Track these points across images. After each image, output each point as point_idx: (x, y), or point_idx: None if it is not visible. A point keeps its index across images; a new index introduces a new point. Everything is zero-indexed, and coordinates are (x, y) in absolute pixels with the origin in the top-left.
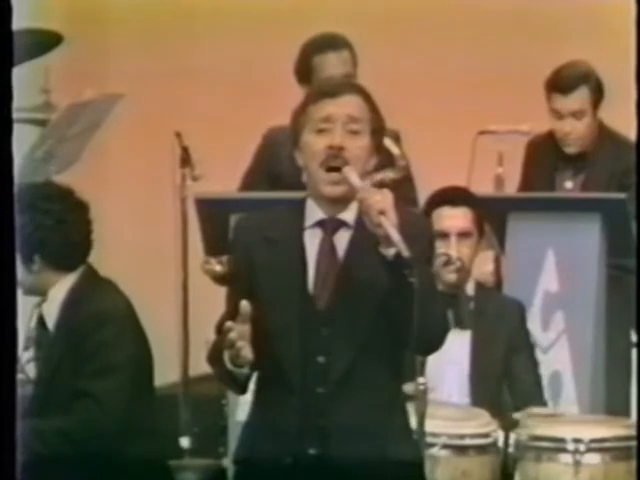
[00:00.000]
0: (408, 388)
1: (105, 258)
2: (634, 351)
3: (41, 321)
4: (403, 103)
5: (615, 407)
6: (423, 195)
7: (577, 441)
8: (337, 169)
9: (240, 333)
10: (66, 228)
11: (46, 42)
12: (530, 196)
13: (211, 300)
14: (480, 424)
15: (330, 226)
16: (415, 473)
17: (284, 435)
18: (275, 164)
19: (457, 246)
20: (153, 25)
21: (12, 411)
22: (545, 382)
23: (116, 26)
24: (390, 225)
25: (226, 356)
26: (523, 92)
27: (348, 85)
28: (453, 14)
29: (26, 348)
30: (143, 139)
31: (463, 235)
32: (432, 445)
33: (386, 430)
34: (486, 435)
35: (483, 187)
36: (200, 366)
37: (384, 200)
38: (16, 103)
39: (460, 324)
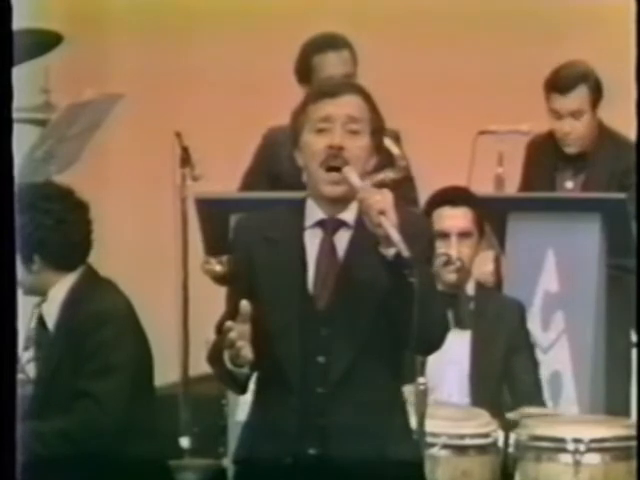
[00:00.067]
0: (408, 391)
1: (105, 258)
2: (634, 351)
3: (41, 321)
4: (403, 103)
5: (615, 407)
6: (423, 195)
7: (577, 441)
8: (337, 169)
9: (240, 333)
10: (66, 228)
11: (46, 42)
12: (530, 196)
13: (211, 300)
14: (480, 424)
15: (330, 226)
16: (415, 473)
17: (284, 435)
18: (275, 164)
19: (457, 246)
20: (153, 25)
21: (12, 411)
22: (545, 382)
23: (116, 26)
24: (390, 225)
25: (226, 356)
26: (523, 92)
27: (348, 85)
28: (453, 14)
29: (26, 348)
30: (143, 139)
31: (463, 235)
32: (432, 445)
33: (386, 430)
34: (486, 435)
35: (483, 187)
36: (200, 366)
37: (384, 200)
38: (16, 103)
39: (460, 324)
